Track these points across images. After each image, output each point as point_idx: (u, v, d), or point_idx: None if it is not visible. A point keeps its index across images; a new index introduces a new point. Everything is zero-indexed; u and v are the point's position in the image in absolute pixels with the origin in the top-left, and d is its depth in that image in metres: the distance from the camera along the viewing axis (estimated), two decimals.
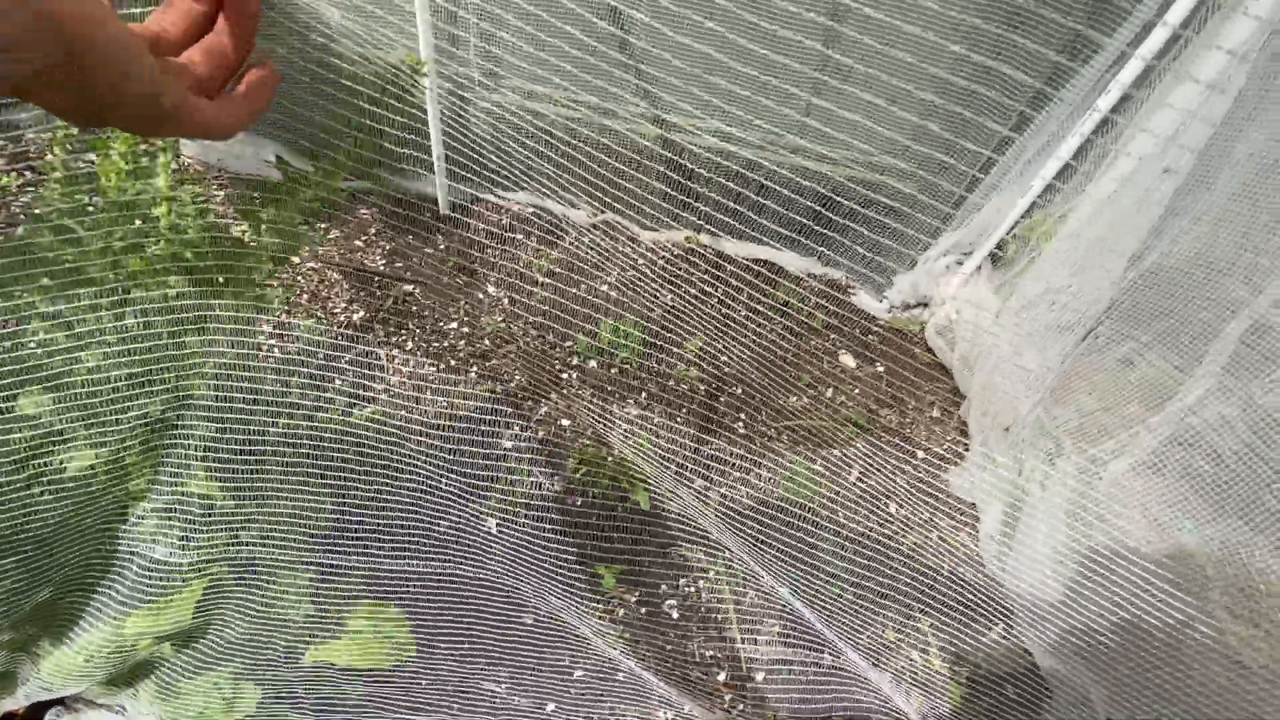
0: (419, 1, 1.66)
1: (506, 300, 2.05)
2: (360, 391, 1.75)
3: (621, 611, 1.46)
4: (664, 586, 1.52)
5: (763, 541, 1.64)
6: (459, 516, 1.25)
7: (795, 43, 1.74)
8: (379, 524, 1.22)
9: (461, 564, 1.31)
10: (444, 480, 1.27)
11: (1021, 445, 1.70)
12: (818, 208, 2.20)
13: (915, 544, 1.70)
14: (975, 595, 1.64)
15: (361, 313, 1.93)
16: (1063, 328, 1.74)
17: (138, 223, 0.88)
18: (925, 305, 2.25)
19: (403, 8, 1.78)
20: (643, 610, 1.47)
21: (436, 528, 1.27)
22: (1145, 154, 1.61)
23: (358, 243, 2.13)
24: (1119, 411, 1.63)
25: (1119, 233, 1.62)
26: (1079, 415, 1.65)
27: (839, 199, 2.14)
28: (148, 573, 0.92)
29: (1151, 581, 1.45)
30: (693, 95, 1.92)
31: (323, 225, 2.15)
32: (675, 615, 1.48)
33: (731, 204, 2.26)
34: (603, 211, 2.36)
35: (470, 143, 2.19)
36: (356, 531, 1.20)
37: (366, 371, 1.79)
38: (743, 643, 1.46)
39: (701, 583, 1.54)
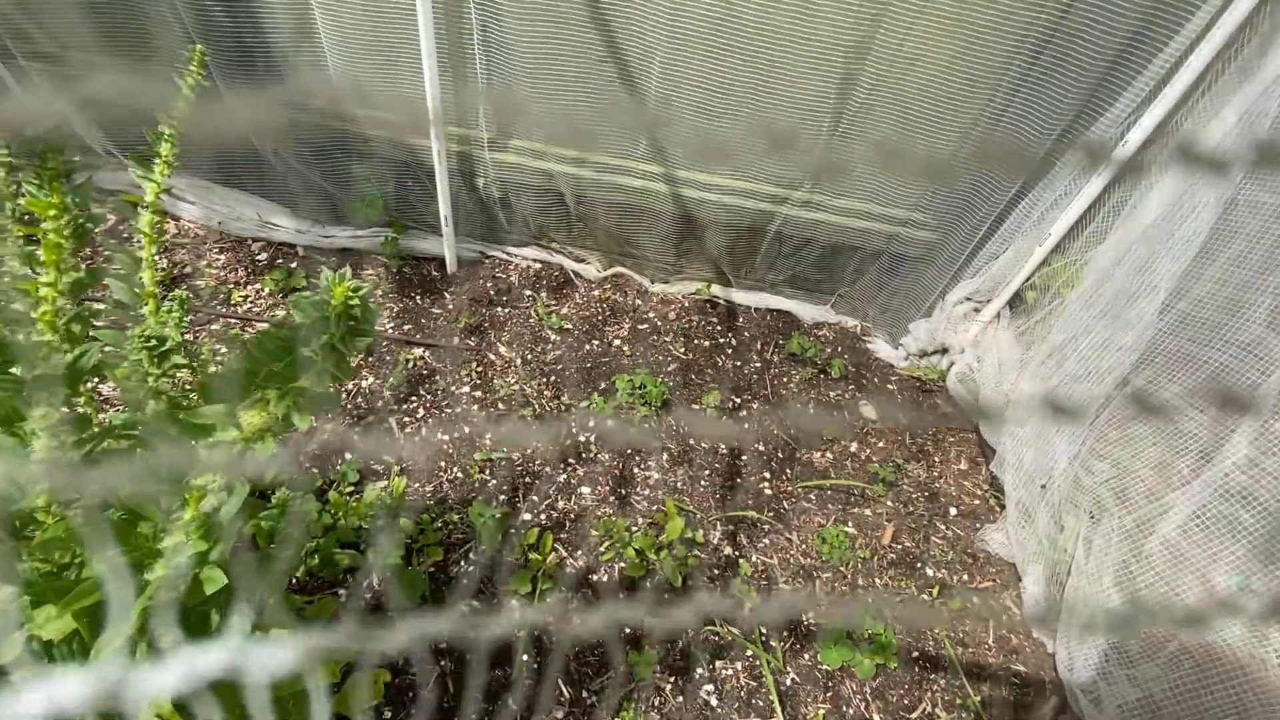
0: (426, 62, 1.64)
1: (519, 360, 2.00)
2: (370, 465, 1.67)
3: (656, 701, 1.36)
4: (700, 671, 1.43)
5: (799, 613, 1.56)
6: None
7: (808, 94, 1.73)
8: None
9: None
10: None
11: (1060, 503, 1.64)
12: (830, 257, 2.18)
13: (958, 610, 1.63)
14: (1025, 665, 1.56)
15: (370, 379, 1.86)
16: (1092, 378, 1.70)
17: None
18: (943, 352, 2.22)
19: (410, 67, 1.76)
20: (679, 699, 1.38)
21: None
22: (1168, 201, 1.60)
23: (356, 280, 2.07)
24: (1159, 466, 1.58)
25: (1146, 280, 1.60)
26: (1118, 471, 1.60)
27: (852, 248, 2.13)
28: None
29: (1211, 647, 1.38)
30: (704, 151, 1.91)
31: None
32: (714, 702, 1.38)
33: (742, 255, 2.24)
34: (612, 265, 2.33)
35: (478, 201, 2.16)
36: None
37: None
38: None
39: (740, 664, 1.45)
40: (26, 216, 0.49)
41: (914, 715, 1.44)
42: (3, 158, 0.50)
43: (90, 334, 0.62)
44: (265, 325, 1.94)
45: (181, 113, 0.72)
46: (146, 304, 0.83)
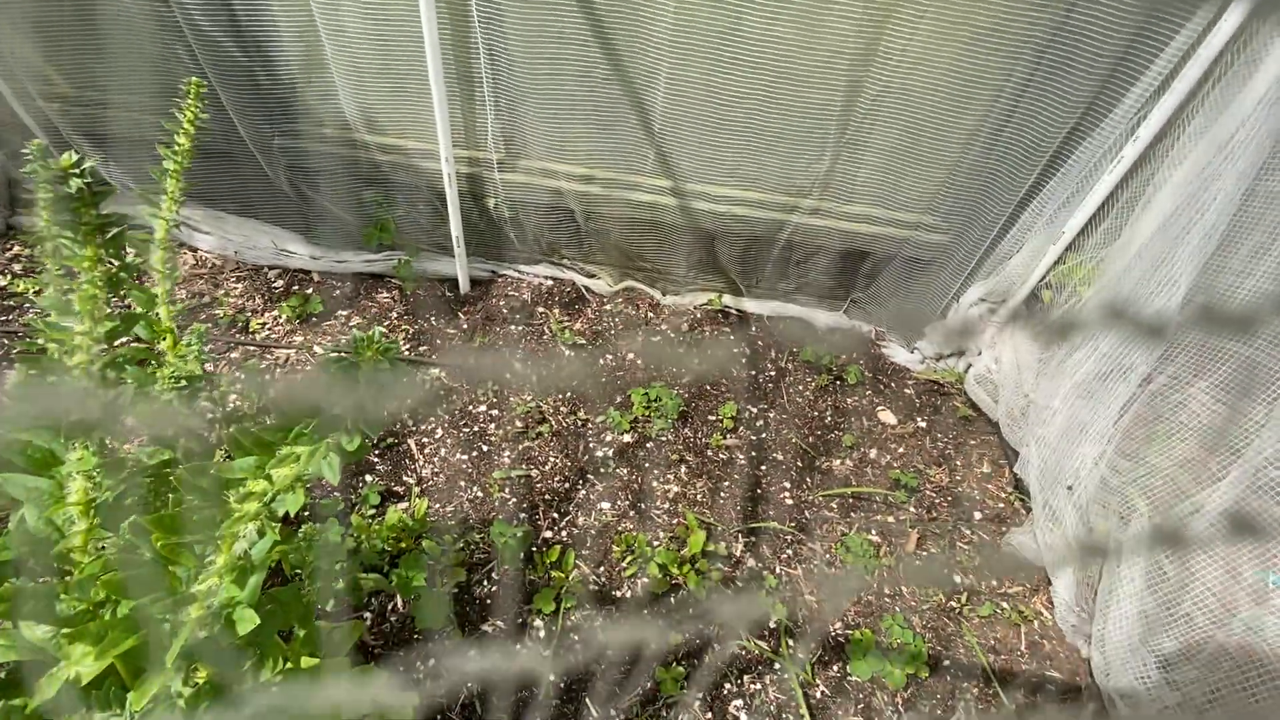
0: (435, 87, 1.66)
1: (535, 377, 2.00)
2: (391, 487, 1.68)
3: (686, 718, 1.35)
4: (728, 686, 1.41)
5: (827, 623, 1.55)
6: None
7: (815, 103, 1.74)
8: None
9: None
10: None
11: (1088, 505, 1.61)
12: (842, 262, 2.17)
13: (987, 616, 1.60)
14: (1060, 670, 1.53)
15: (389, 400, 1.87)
16: (1114, 375, 1.68)
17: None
18: (960, 355, 2.20)
19: (419, 93, 1.78)
20: (708, 715, 1.36)
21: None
22: (1183, 196, 1.58)
23: (380, 328, 2.09)
24: (1187, 463, 1.55)
25: (1166, 274, 1.58)
26: (1146, 469, 1.57)
27: (863, 253, 2.12)
28: None
29: (1249, 646, 1.34)
30: (712, 164, 1.92)
31: (344, 313, 2.12)
32: (744, 717, 1.37)
33: (753, 264, 2.24)
34: (623, 279, 2.34)
35: (489, 221, 2.18)
36: None
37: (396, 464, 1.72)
38: None
39: (768, 678, 1.43)
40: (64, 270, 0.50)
41: None
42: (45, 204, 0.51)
43: (120, 376, 0.63)
44: (283, 352, 1.96)
45: (183, 147, 0.74)
46: (165, 339, 0.84)
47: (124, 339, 0.67)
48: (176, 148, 0.62)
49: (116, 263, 0.52)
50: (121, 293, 0.56)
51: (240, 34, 1.74)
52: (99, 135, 2.01)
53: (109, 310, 0.53)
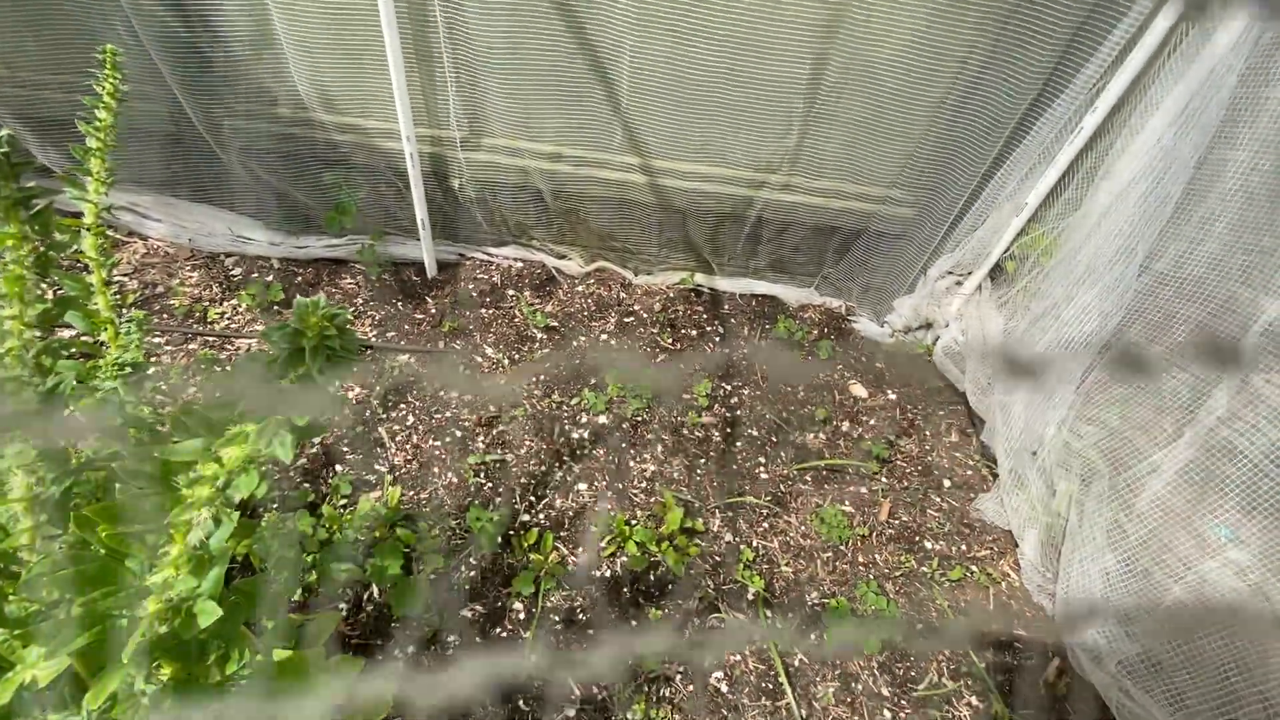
0: (392, 59, 1.61)
1: (507, 361, 1.98)
2: (363, 476, 1.65)
3: (667, 692, 1.37)
4: (709, 659, 1.43)
5: (804, 593, 1.57)
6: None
7: (780, 76, 1.72)
8: None
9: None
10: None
11: (1051, 468, 1.66)
12: (811, 239, 2.18)
13: (958, 579, 1.65)
14: (1026, 628, 1.58)
15: (356, 389, 1.83)
16: (1076, 342, 1.72)
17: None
18: (928, 327, 2.23)
19: (377, 69, 1.72)
20: (690, 688, 1.38)
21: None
22: (1140, 165, 1.61)
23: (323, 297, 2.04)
24: (1145, 425, 1.60)
25: (1124, 243, 1.62)
26: (1107, 433, 1.62)
27: (832, 228, 2.13)
28: None
29: (1203, 598, 1.40)
30: (680, 140, 1.90)
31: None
32: (725, 689, 1.39)
33: (724, 241, 2.23)
34: (594, 260, 2.32)
35: (454, 202, 2.13)
36: None
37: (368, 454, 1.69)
38: (801, 710, 1.37)
39: (748, 649, 1.45)
40: None
41: (921, 686, 1.46)
42: None
43: (57, 366, 0.59)
44: (244, 342, 1.90)
45: (105, 123, 0.68)
46: (105, 330, 0.80)
47: (73, 332, 0.63)
48: (98, 124, 0.58)
49: (44, 240, 0.49)
50: (53, 275, 0.53)
51: (183, 7, 1.65)
52: (33, 117, 1.90)
53: (41, 293, 0.50)
